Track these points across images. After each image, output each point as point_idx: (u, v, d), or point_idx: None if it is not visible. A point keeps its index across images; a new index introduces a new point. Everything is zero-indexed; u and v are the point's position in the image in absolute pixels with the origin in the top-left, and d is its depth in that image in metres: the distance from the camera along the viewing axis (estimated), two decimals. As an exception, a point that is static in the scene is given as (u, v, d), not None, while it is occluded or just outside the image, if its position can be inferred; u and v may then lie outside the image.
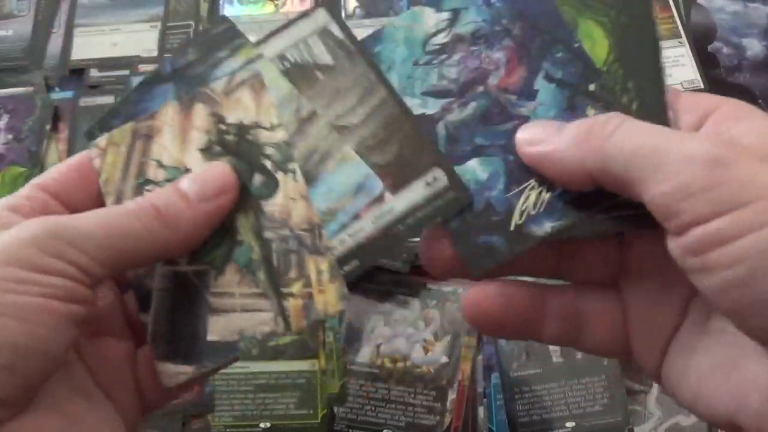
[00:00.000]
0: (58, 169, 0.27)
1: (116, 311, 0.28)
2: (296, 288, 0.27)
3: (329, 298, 0.27)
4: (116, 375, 0.27)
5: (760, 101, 0.61)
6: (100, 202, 0.27)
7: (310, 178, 0.28)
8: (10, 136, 0.57)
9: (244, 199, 0.28)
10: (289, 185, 0.28)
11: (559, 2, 0.27)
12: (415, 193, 0.27)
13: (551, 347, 0.50)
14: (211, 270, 0.27)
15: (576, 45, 0.27)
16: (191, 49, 0.29)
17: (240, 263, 0.27)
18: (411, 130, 0.28)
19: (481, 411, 0.50)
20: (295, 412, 0.50)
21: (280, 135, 0.28)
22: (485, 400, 0.50)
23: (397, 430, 0.49)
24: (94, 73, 0.60)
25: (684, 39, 0.62)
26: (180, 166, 0.28)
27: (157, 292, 0.27)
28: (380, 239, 0.27)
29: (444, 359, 0.51)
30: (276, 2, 0.63)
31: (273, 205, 0.28)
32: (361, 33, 0.29)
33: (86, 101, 0.58)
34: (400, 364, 0.51)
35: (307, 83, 0.28)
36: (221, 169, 0.27)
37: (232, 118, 0.28)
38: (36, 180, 0.27)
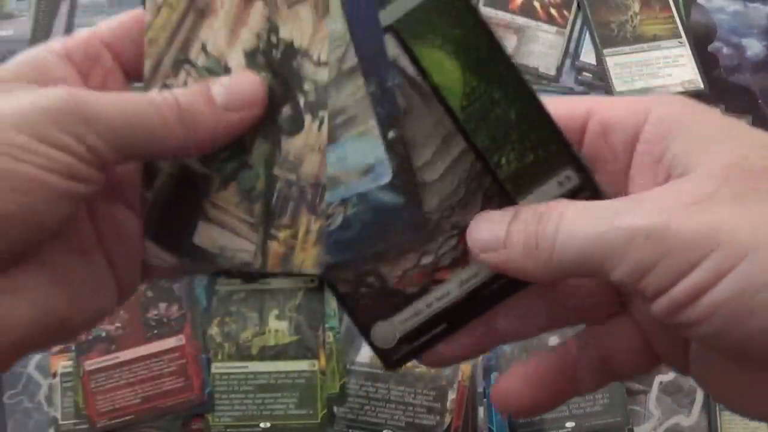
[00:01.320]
0: (117, 19, 0.27)
1: (136, 181, 0.27)
2: (283, 235, 0.27)
3: (308, 258, 0.27)
4: (123, 242, 0.27)
5: (760, 101, 0.61)
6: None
7: (329, 137, 0.26)
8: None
9: (268, 125, 0.26)
10: (312, 131, 0.26)
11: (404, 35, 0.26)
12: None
13: (551, 346, 0.50)
14: (216, 179, 0.27)
15: (390, 82, 0.26)
16: None
17: (243, 186, 0.27)
18: (493, 188, 0.26)
19: (481, 411, 0.50)
20: (295, 412, 0.50)
21: (323, 75, 0.26)
22: (485, 400, 0.50)
23: (397, 430, 0.49)
24: (94, 73, 0.60)
25: (684, 39, 0.62)
26: (221, 60, 0.27)
27: (163, 176, 0.27)
28: (470, 300, 0.26)
29: (444, 359, 0.51)
30: (276, 2, 0.63)
31: (291, 145, 0.26)
32: None
33: (86, 101, 0.58)
34: (400, 364, 0.51)
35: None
36: (255, 83, 0.26)
37: (285, 32, 0.26)
38: (93, 28, 0.26)
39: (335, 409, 0.50)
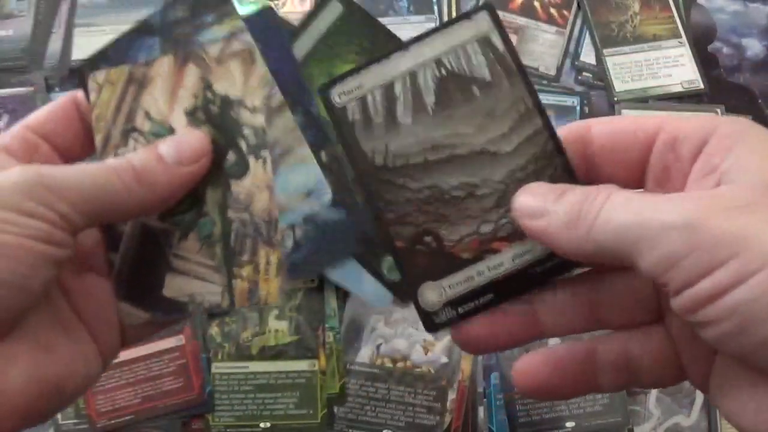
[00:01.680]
0: (47, 109, 0.29)
1: (101, 250, 0.30)
2: (246, 271, 0.29)
3: (272, 289, 0.28)
4: (98, 310, 0.28)
5: (760, 101, 0.61)
6: (85, 142, 0.29)
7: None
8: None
9: (216, 173, 0.29)
10: (258, 172, 0.28)
11: (312, 63, 0.28)
12: None
13: (551, 345, 0.50)
14: (176, 232, 0.29)
15: (313, 109, 0.28)
16: (180, 6, 0.29)
17: (202, 234, 0.29)
18: (562, 169, 0.27)
19: (481, 411, 0.50)
20: (295, 412, 0.50)
21: (259, 119, 0.29)
22: (485, 400, 0.50)
23: (397, 430, 0.49)
24: (94, 73, 0.60)
25: (684, 39, 0.62)
26: (165, 123, 0.29)
27: (126, 238, 0.29)
28: (520, 275, 0.27)
29: (444, 359, 0.51)
30: (276, 2, 0.63)
31: (240, 187, 0.29)
32: None
33: (86, 101, 0.58)
34: (400, 364, 0.51)
35: (463, 97, 0.27)
36: (199, 138, 0.28)
37: (220, 87, 0.29)
38: (25, 121, 0.28)
39: (335, 409, 0.50)
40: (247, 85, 0.29)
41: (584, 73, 0.62)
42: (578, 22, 0.64)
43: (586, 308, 0.27)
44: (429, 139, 0.27)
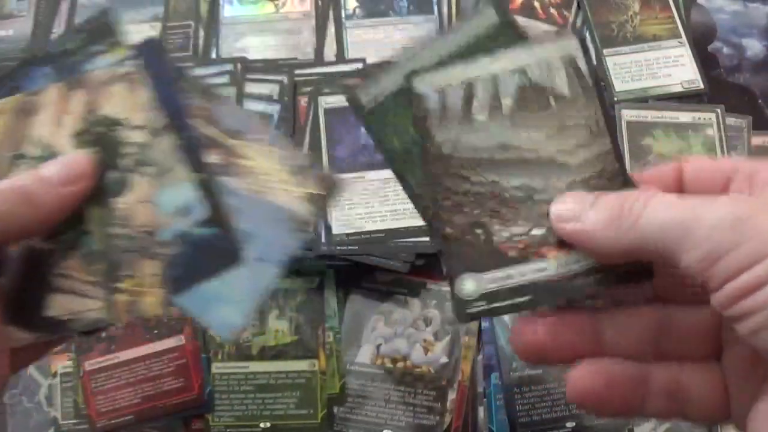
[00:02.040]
0: None
1: None
2: (127, 285, 0.29)
3: (153, 301, 0.29)
4: None
5: (760, 101, 0.61)
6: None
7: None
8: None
9: (99, 191, 0.30)
10: (139, 188, 0.30)
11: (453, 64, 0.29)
12: None
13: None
14: (60, 251, 0.30)
15: (191, 131, 0.30)
16: (70, 37, 0.31)
17: (85, 251, 0.30)
18: (622, 189, 0.27)
19: (481, 411, 0.50)
20: (295, 412, 0.50)
21: (141, 137, 0.30)
22: (485, 400, 0.50)
23: (397, 430, 0.49)
24: (94, 73, 0.60)
25: (684, 39, 0.62)
26: (51, 148, 0.30)
27: (10, 260, 0.30)
28: (561, 283, 0.27)
29: (444, 359, 0.51)
30: (276, 2, 0.63)
31: (122, 203, 0.30)
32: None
33: (86, 101, 0.58)
34: (400, 364, 0.51)
35: (539, 106, 0.28)
36: (81, 158, 0.29)
37: (105, 109, 0.30)
38: None
39: (335, 409, 0.50)
40: (131, 105, 0.30)
41: (584, 73, 0.62)
42: (578, 22, 0.64)
43: (650, 334, 0.28)
44: (500, 138, 0.28)
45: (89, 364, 0.51)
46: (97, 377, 0.51)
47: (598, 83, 0.29)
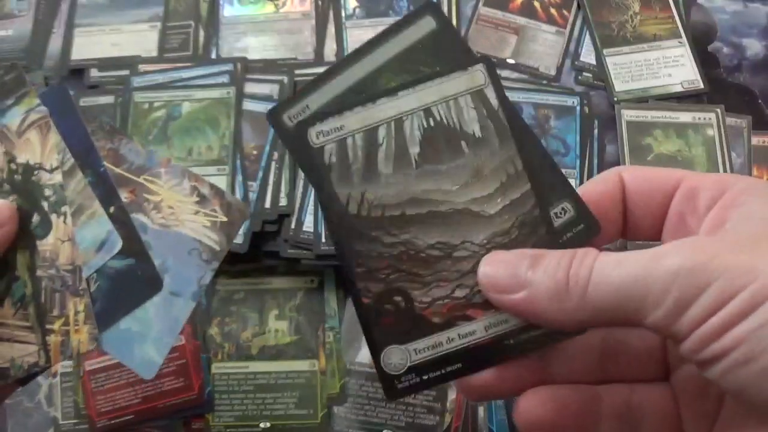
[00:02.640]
0: None
1: None
2: (57, 325, 0.30)
3: (83, 337, 0.30)
4: None
5: (760, 101, 0.61)
6: None
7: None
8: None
9: (24, 237, 0.31)
10: (60, 227, 0.31)
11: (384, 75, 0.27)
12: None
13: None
14: None
15: (101, 170, 0.31)
16: None
17: (15, 297, 0.30)
18: (546, 237, 0.26)
19: (481, 411, 0.50)
20: (295, 412, 0.50)
21: (57, 178, 0.31)
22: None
23: (397, 430, 0.49)
24: (94, 73, 0.60)
25: (684, 39, 0.62)
26: None
27: None
28: (493, 346, 0.26)
29: (444, 359, 0.50)
30: (276, 2, 0.63)
31: (46, 245, 0.31)
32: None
33: (86, 101, 0.58)
34: (400, 364, 0.51)
35: (450, 150, 0.26)
36: (3, 206, 0.30)
37: (21, 157, 0.32)
38: None
39: (335, 409, 0.50)
40: (44, 150, 0.32)
41: (584, 73, 0.62)
42: (578, 22, 0.64)
43: (596, 359, 0.27)
44: (409, 191, 0.26)
45: (89, 364, 0.51)
46: (97, 377, 0.51)
47: (513, 116, 0.26)
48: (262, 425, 0.50)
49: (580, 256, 0.23)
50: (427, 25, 0.27)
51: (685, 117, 0.58)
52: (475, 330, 0.26)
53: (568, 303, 0.23)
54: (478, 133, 0.26)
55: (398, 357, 0.26)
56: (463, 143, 0.26)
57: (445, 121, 0.26)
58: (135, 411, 0.50)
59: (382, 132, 0.26)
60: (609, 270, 0.22)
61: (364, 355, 0.51)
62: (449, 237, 0.26)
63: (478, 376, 0.26)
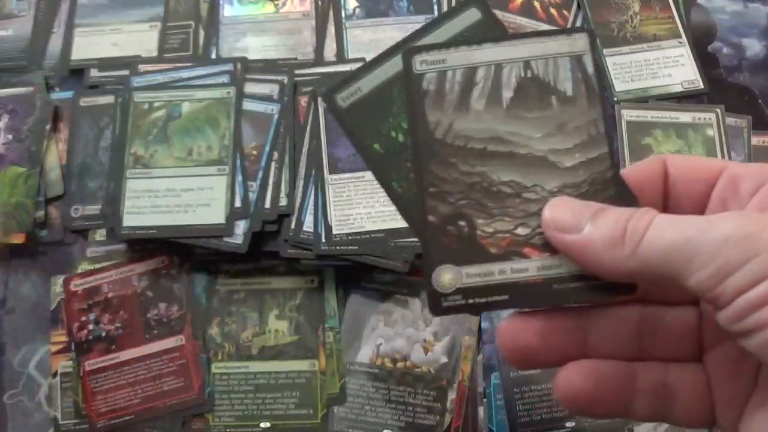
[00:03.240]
0: None
1: None
2: None
3: None
4: None
5: (760, 101, 0.61)
6: None
7: None
8: (10, 136, 0.57)
9: None
10: None
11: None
12: None
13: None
14: None
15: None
16: None
17: None
18: (614, 199, 0.27)
19: (481, 411, 0.50)
20: (295, 412, 0.50)
21: None
22: (485, 400, 0.50)
23: (397, 430, 0.49)
24: (94, 73, 0.60)
25: (684, 39, 0.62)
26: None
27: None
28: (541, 287, 0.26)
29: (444, 359, 0.51)
30: (276, 2, 0.63)
31: None
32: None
33: (86, 101, 0.58)
34: (400, 364, 0.51)
35: (539, 102, 0.28)
36: None
37: None
38: None
39: (335, 409, 0.50)
40: None
41: (584, 73, 0.62)
42: (578, 22, 0.64)
43: (634, 336, 0.28)
44: (495, 130, 0.27)
45: (89, 364, 0.51)
46: (97, 377, 0.51)
47: (603, 86, 0.28)
48: (262, 425, 0.50)
49: (642, 212, 0.24)
50: (472, 15, 0.29)
51: (685, 117, 0.58)
52: (528, 268, 0.27)
53: (620, 252, 0.24)
54: (569, 92, 0.28)
55: (449, 276, 0.27)
56: (553, 98, 0.28)
57: (541, 75, 0.28)
58: (135, 411, 0.50)
59: (481, 72, 0.28)
60: (664, 228, 0.23)
61: (364, 355, 0.51)
62: (522, 178, 0.27)
63: (524, 336, 0.27)
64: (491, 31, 0.29)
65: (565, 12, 0.64)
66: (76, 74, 0.60)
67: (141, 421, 0.50)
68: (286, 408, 0.50)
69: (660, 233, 0.23)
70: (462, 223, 0.27)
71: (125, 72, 0.59)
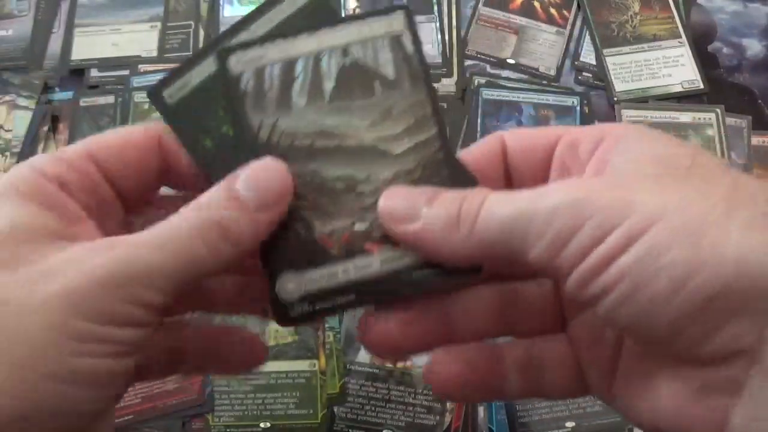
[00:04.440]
0: (119, 141, 0.26)
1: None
2: None
3: None
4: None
5: (759, 101, 0.61)
6: (154, 187, 0.27)
7: None
8: (9, 137, 0.57)
9: None
10: None
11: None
12: None
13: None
14: None
15: None
16: None
17: None
18: (448, 180, 0.26)
19: (481, 411, 0.50)
20: (295, 412, 0.50)
21: None
22: (485, 400, 0.50)
23: (397, 430, 0.49)
24: (94, 73, 0.60)
25: (684, 39, 0.62)
26: None
27: None
28: (386, 281, 0.26)
29: (444, 359, 0.51)
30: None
31: None
32: None
33: (86, 101, 0.58)
34: (400, 364, 0.51)
35: (362, 89, 0.26)
36: (280, 172, 0.25)
37: None
38: (87, 144, 0.25)
39: (335, 409, 0.50)
40: None
41: (584, 73, 0.62)
42: (578, 22, 0.64)
43: (497, 314, 0.27)
44: (320, 124, 0.26)
45: (89, 364, 0.51)
46: (97, 377, 0.51)
47: (425, 65, 0.27)
48: (262, 425, 0.50)
49: (474, 193, 0.24)
50: None
51: (685, 117, 0.58)
52: (371, 263, 0.26)
53: (457, 235, 0.23)
54: (391, 76, 0.27)
55: (293, 284, 0.26)
56: (376, 83, 0.27)
57: (361, 61, 0.27)
58: (135, 411, 0.50)
59: (300, 65, 0.27)
60: (497, 205, 0.23)
61: (364, 355, 0.51)
62: (354, 171, 0.26)
63: (385, 328, 0.26)
64: (321, 15, 0.28)
65: (565, 12, 0.64)
66: (76, 74, 0.60)
67: (141, 421, 0.50)
68: (286, 408, 0.50)
69: (493, 211, 0.23)
70: (298, 224, 0.26)
71: (125, 72, 0.59)
